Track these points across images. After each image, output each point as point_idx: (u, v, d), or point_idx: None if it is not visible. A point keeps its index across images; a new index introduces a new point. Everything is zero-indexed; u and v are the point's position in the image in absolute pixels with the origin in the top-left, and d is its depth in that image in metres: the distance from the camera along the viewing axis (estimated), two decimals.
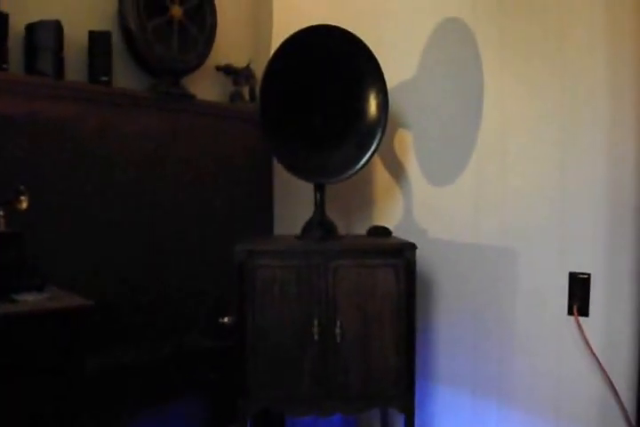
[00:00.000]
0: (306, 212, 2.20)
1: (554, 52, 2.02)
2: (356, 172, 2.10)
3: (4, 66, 1.99)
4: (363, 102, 2.11)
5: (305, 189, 2.30)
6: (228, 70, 2.62)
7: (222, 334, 2.30)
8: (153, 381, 2.16)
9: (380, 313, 2.00)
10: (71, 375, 1.68)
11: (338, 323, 1.96)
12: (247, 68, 2.67)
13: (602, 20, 1.92)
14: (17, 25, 2.05)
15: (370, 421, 2.52)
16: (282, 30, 2.13)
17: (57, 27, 2.08)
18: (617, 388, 1.91)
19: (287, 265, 1.97)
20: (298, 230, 2.17)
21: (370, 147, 2.09)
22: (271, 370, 1.97)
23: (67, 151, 2.15)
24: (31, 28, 2.06)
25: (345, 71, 2.09)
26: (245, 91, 2.69)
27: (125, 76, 2.35)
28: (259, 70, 2.06)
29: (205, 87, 2.60)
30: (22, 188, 1.83)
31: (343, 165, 2.11)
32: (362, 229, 2.39)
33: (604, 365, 1.93)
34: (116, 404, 2.07)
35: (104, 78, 2.21)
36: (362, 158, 2.10)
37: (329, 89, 2.12)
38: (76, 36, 2.19)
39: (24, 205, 1.83)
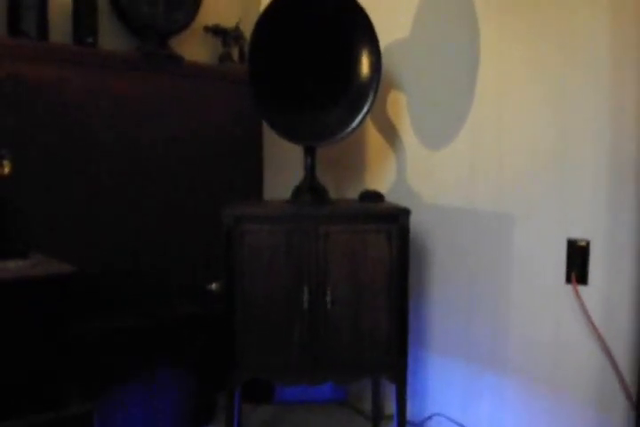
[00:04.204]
0: (296, 177, 2.15)
1: (553, 10, 1.93)
2: (348, 134, 2.05)
3: None
4: (355, 62, 2.05)
5: (295, 154, 2.25)
6: (216, 31, 2.55)
7: (210, 301, 2.27)
8: (139, 349, 2.13)
9: (373, 280, 1.96)
10: (55, 343, 1.66)
11: (328, 290, 1.92)
12: (236, 28, 2.60)
13: None
14: None
15: (360, 389, 2.49)
16: None
17: None
18: (615, 358, 1.85)
19: (276, 230, 1.92)
20: (288, 196, 2.11)
21: (362, 108, 2.03)
22: (260, 338, 1.94)
23: (51, 114, 2.10)
24: None
25: (337, 30, 2.02)
26: (235, 52, 2.63)
27: (111, 38, 2.29)
28: (248, 31, 2.00)
29: (193, 48, 2.53)
30: (4, 152, 1.79)
31: (334, 127, 2.05)
32: (354, 194, 2.33)
33: (602, 334, 1.87)
34: (102, 372, 2.05)
35: (89, 40, 2.16)
36: (354, 120, 2.03)
37: (320, 49, 2.05)
38: None
39: (6, 170, 1.79)
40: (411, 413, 2.26)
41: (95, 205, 2.23)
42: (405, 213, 1.94)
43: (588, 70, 1.87)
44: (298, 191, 2.09)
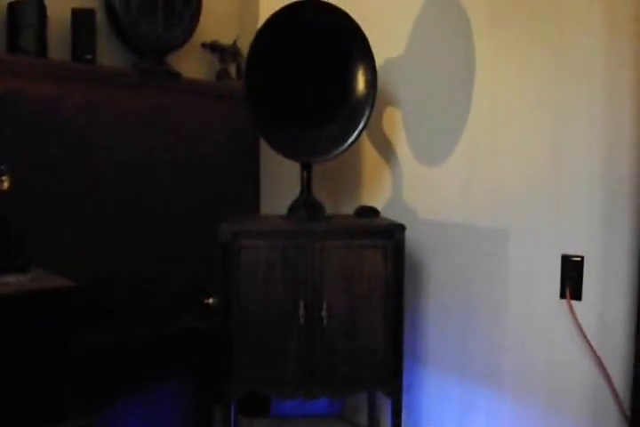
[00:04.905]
0: (293, 191, 2.16)
1: (548, 24, 1.94)
2: (344, 150, 2.06)
3: None
4: (350, 79, 2.07)
5: (292, 169, 2.27)
6: (214, 47, 2.58)
7: (207, 314, 2.29)
8: (139, 362, 2.15)
9: (368, 295, 1.97)
10: (55, 357, 1.67)
11: (324, 305, 1.93)
12: (234, 45, 2.63)
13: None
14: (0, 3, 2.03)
15: (356, 403, 2.49)
16: (269, 6, 2.11)
17: (40, 5, 2.05)
18: (610, 373, 1.86)
19: (272, 246, 1.93)
20: (285, 210, 2.13)
21: (358, 125, 2.05)
22: (256, 353, 1.95)
23: (50, 130, 2.12)
24: (14, 7, 2.04)
25: (333, 47, 2.04)
26: (232, 68, 2.65)
27: (109, 54, 2.32)
28: (245, 47, 2.02)
29: (191, 65, 2.56)
30: (3, 167, 1.81)
31: (330, 143, 2.07)
32: (350, 209, 2.35)
33: (596, 350, 1.88)
34: (101, 386, 2.07)
35: (88, 57, 2.18)
36: (349, 137, 2.05)
37: (316, 66, 2.07)
38: (59, 14, 2.16)
39: (5, 185, 1.81)
40: None
41: (95, 219, 2.25)
42: (401, 228, 1.96)
43: (584, 86, 1.89)
44: (294, 207, 2.11)
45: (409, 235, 1.99)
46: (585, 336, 1.90)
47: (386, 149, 2.43)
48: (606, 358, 1.87)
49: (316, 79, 2.09)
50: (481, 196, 2.15)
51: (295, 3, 1.96)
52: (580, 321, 1.91)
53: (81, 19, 2.17)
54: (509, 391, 2.10)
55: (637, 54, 1.78)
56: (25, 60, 2.04)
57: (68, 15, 2.16)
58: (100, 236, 2.26)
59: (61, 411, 1.71)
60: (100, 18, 2.25)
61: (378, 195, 2.45)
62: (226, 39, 2.64)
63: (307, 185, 2.11)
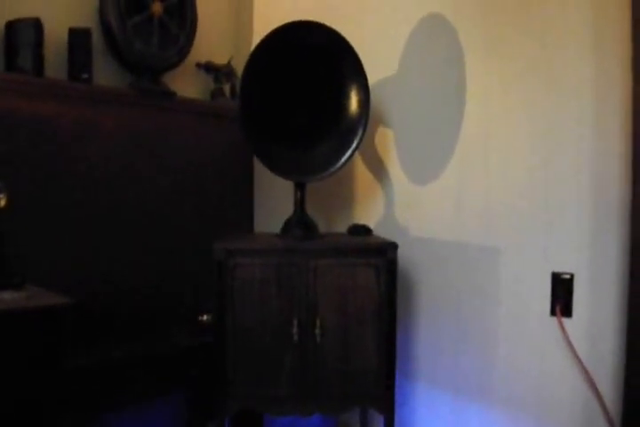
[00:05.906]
0: (286, 209, 2.18)
1: (538, 46, 1.99)
2: (337, 170, 2.09)
3: None
4: (343, 99, 2.09)
5: (285, 187, 2.29)
6: (208, 67, 2.60)
7: (202, 331, 2.30)
8: (134, 378, 2.15)
9: (361, 313, 1.98)
10: (50, 374, 1.68)
11: (318, 323, 1.95)
12: (228, 65, 2.65)
13: (587, 11, 1.89)
14: None
15: (349, 420, 2.50)
16: (263, 26, 2.13)
17: (37, 24, 2.06)
18: (600, 390, 1.89)
19: (267, 264, 1.95)
20: (279, 228, 2.15)
21: (351, 144, 2.08)
22: (250, 370, 1.96)
23: (46, 149, 2.14)
24: (11, 26, 2.05)
25: (326, 67, 2.07)
26: (226, 88, 2.68)
27: (106, 74, 2.34)
28: (240, 67, 2.05)
29: (186, 84, 2.59)
30: (0, 185, 1.82)
31: (324, 163, 2.09)
32: (342, 228, 2.38)
33: (586, 366, 1.91)
34: (96, 402, 2.06)
35: (84, 75, 2.19)
36: (342, 156, 2.08)
37: (310, 86, 2.10)
38: (56, 33, 2.17)
39: (2, 202, 1.82)
40: None
41: (91, 237, 2.26)
42: (393, 246, 1.98)
43: (574, 106, 1.93)
44: (288, 225, 2.13)
45: (401, 253, 2.00)
46: (575, 352, 1.93)
47: (378, 168, 2.46)
48: (596, 374, 1.90)
49: (310, 99, 2.11)
50: (472, 214, 2.18)
51: (289, 23, 1.98)
52: (571, 338, 1.94)
53: (77, 38, 2.19)
54: (501, 407, 2.12)
55: (626, 71, 1.83)
56: (22, 78, 2.05)
57: (64, 34, 2.18)
58: (96, 252, 2.27)
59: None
60: (97, 37, 2.27)
61: (370, 213, 2.47)
62: (220, 59, 2.67)
63: (300, 204, 2.13)
